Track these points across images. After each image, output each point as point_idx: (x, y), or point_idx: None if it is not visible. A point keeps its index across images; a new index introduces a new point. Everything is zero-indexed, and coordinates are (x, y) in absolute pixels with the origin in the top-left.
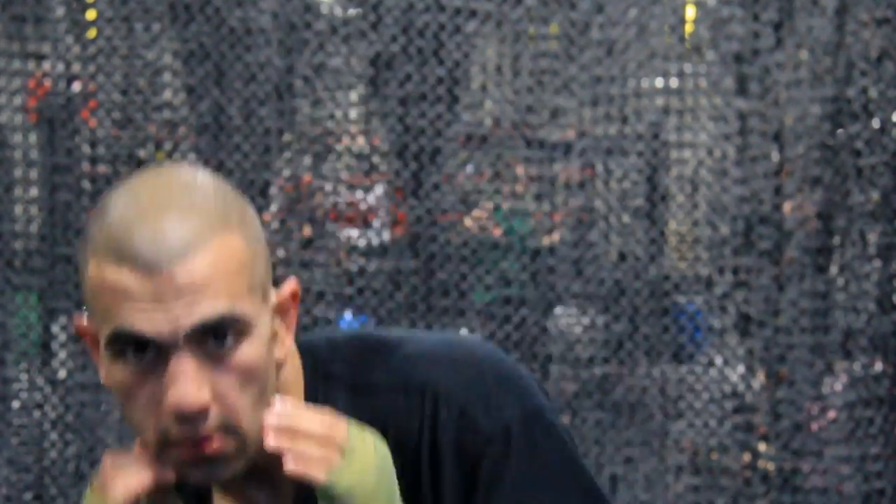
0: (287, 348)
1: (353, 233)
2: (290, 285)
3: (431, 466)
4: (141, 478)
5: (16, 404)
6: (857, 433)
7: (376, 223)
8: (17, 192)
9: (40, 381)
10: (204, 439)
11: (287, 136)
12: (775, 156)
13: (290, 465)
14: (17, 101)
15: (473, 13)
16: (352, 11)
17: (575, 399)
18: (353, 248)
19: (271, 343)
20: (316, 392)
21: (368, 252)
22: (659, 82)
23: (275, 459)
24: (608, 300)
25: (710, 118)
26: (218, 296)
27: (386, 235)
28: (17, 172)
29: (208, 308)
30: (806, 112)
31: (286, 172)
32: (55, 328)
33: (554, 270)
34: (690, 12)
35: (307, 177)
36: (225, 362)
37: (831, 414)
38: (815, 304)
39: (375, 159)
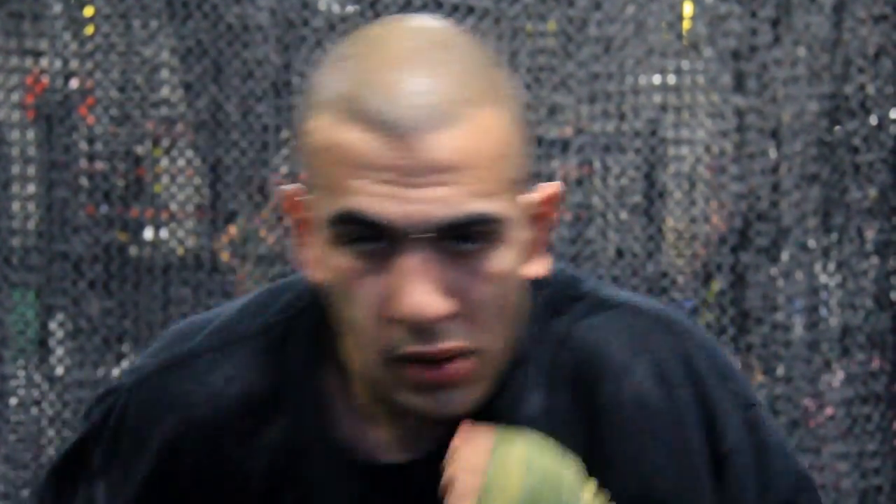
0: (545, 264)
1: None
2: (552, 186)
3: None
4: None
5: (13, 401)
6: (854, 430)
7: None
8: (15, 188)
9: (38, 377)
10: (443, 359)
11: (285, 133)
12: (773, 152)
13: (442, 491)
14: (15, 97)
15: (471, 10)
16: (349, 8)
17: None
18: None
19: (523, 256)
20: (547, 346)
21: None
22: (656, 79)
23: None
24: None
25: (708, 115)
26: (476, 185)
27: None
28: (15, 169)
29: (467, 200)
30: (803, 109)
31: (284, 169)
32: (52, 325)
33: None
34: (688, 9)
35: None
36: (472, 268)
37: (829, 411)
38: (813, 301)
39: None
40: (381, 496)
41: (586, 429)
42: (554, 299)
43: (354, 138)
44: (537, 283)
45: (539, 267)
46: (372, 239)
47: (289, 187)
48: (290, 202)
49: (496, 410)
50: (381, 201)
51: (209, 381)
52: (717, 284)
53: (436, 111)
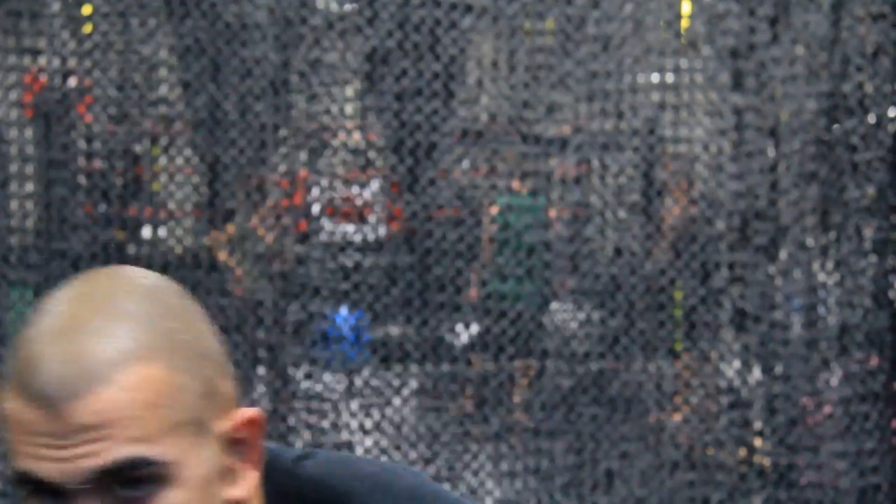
0: (249, 486)
1: (349, 228)
2: (247, 413)
3: None
4: None
5: None
6: (852, 428)
7: (372, 218)
8: (13, 187)
9: None
10: None
11: (283, 132)
12: (771, 151)
13: None
14: (13, 96)
15: (469, 8)
16: (348, 7)
17: (571, 394)
18: (348, 244)
19: (212, 484)
20: None
21: (364, 247)
22: (655, 78)
23: None
24: (604, 296)
25: (706, 114)
26: (125, 437)
27: (382, 231)
28: (13, 168)
29: (114, 450)
30: (802, 107)
31: (282, 168)
32: None
33: (550, 266)
34: (686, 8)
35: (303, 172)
36: None
37: (827, 409)
38: (811, 300)
39: (371, 155)
40: None
41: None
42: None
43: (18, 408)
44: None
45: (241, 490)
46: (49, 495)
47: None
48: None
49: None
50: (39, 462)
51: None
52: (715, 283)
53: (75, 378)
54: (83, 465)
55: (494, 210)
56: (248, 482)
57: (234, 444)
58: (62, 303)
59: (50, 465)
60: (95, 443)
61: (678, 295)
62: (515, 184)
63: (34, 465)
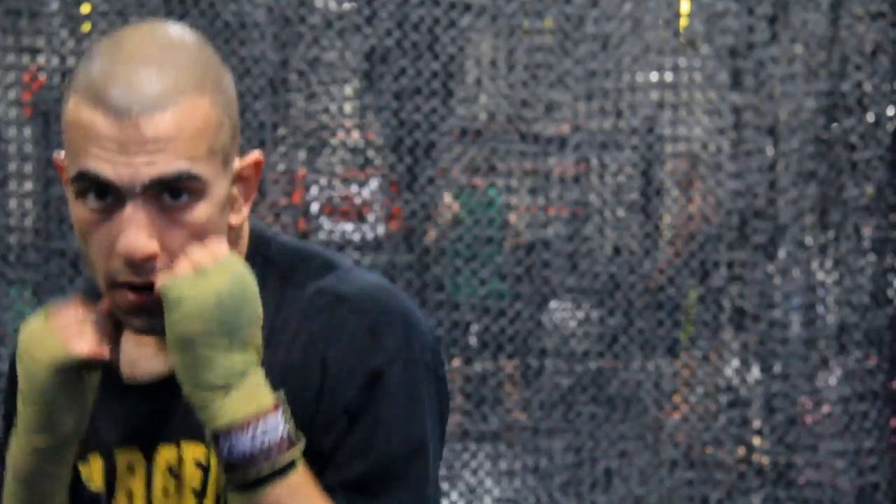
0: (243, 216)
1: (348, 227)
2: (254, 155)
3: (320, 369)
4: (80, 347)
5: None
6: (851, 427)
7: (371, 217)
8: (12, 186)
9: None
10: (149, 288)
11: (282, 131)
12: (770, 150)
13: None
14: (12, 95)
15: (468, 7)
16: (346, 5)
17: (570, 393)
18: (347, 242)
19: (226, 207)
20: (252, 267)
21: (363, 246)
22: (653, 76)
23: None
24: (603, 294)
25: (705, 112)
26: (179, 153)
27: (380, 229)
28: (12, 167)
29: (168, 163)
30: (800, 106)
31: (281, 167)
32: None
33: (548, 265)
34: (685, 6)
35: (301, 171)
36: (177, 218)
37: (826, 408)
38: (810, 299)
39: (370, 153)
40: (139, 412)
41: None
42: (284, 267)
43: (91, 117)
44: (265, 243)
45: (237, 218)
46: (101, 195)
47: (59, 155)
48: (59, 164)
49: None
50: (104, 165)
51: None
52: (714, 282)
53: (152, 99)
54: (141, 172)
55: (455, 207)
56: (243, 213)
57: (240, 180)
58: (132, 36)
59: (114, 168)
60: (155, 154)
61: (693, 294)
62: (514, 182)
63: (99, 166)
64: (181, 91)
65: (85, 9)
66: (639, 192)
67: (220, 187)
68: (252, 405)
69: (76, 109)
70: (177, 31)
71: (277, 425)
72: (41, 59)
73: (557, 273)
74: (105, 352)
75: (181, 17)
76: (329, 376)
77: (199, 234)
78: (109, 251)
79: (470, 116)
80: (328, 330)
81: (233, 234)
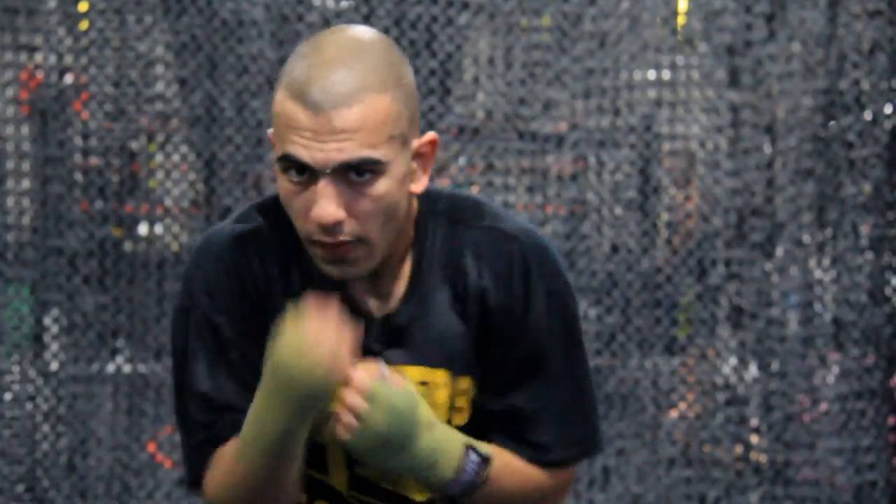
0: (423, 184)
1: None
2: (429, 136)
3: (496, 294)
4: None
5: (8, 396)
6: (849, 425)
7: None
8: (9, 184)
9: (32, 373)
10: (339, 244)
11: None
12: (767, 148)
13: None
14: (10, 92)
15: (465, 5)
16: (344, 3)
17: None
18: None
19: (406, 179)
20: (424, 220)
21: None
22: (651, 74)
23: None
24: (601, 292)
25: (703, 110)
26: (363, 141)
27: None
28: (9, 164)
29: (354, 150)
30: (798, 104)
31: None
32: (47, 320)
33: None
34: (683, 4)
35: None
36: (362, 191)
37: (823, 406)
38: (807, 297)
39: None
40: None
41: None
42: (451, 215)
43: (294, 110)
44: (434, 200)
45: (417, 186)
46: (301, 172)
47: (271, 132)
48: (272, 139)
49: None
50: (303, 150)
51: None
52: (712, 279)
53: (342, 97)
54: (332, 157)
55: None
56: (422, 182)
57: (419, 156)
58: (328, 40)
59: (309, 153)
60: (343, 142)
61: (690, 292)
62: (512, 180)
63: (299, 151)
64: (366, 89)
65: (82, 7)
66: (636, 190)
67: (399, 164)
68: (456, 451)
69: (282, 102)
70: (366, 35)
71: (475, 455)
72: (39, 57)
73: None
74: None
75: (179, 15)
76: (503, 303)
77: (380, 203)
78: (306, 216)
79: (468, 114)
80: (502, 262)
81: (412, 197)
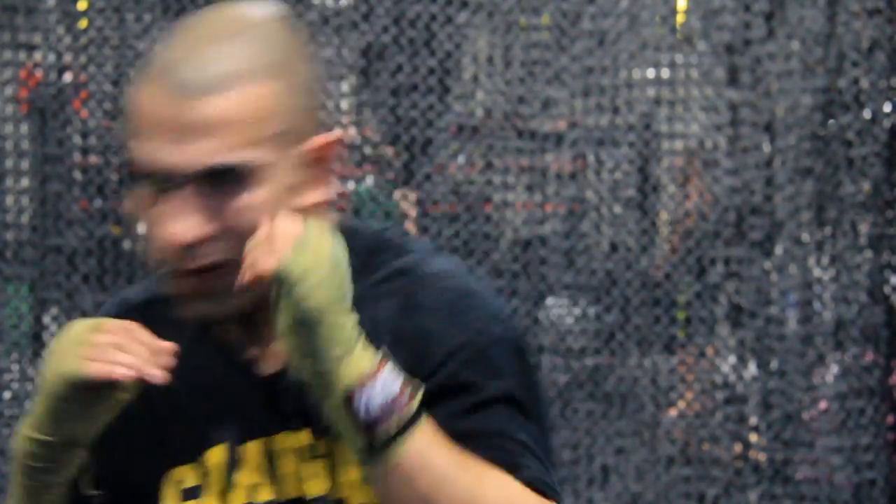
0: (318, 195)
1: None
2: (327, 136)
3: (403, 345)
4: (94, 369)
5: (7, 395)
6: (848, 424)
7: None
8: (9, 182)
9: (32, 371)
10: (201, 271)
11: None
12: (766, 146)
13: (242, 279)
14: (8, 91)
15: (465, 3)
16: (343, 2)
17: (566, 390)
18: None
19: (293, 189)
20: None
21: None
22: (650, 73)
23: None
24: (600, 291)
25: (702, 109)
26: (234, 140)
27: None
28: (8, 163)
29: (222, 151)
30: (797, 102)
31: None
32: (46, 319)
33: (545, 261)
34: (682, 2)
35: None
36: (231, 203)
37: (822, 404)
38: (806, 295)
39: (367, 150)
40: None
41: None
42: (364, 252)
43: (152, 96)
44: (350, 236)
45: (315, 196)
46: (152, 180)
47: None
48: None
49: None
50: (156, 150)
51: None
52: (711, 278)
53: (209, 79)
54: (195, 158)
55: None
56: (317, 194)
57: (314, 161)
58: (205, 22)
59: (162, 155)
60: (209, 139)
61: (689, 290)
62: (511, 179)
63: (150, 152)
64: (245, 75)
65: (81, 5)
66: (635, 189)
67: (283, 171)
68: (370, 360)
69: (135, 93)
70: (258, 12)
71: (395, 373)
72: (38, 56)
73: (554, 270)
74: (128, 375)
75: (178, 14)
76: (413, 352)
77: (254, 218)
78: (157, 237)
79: (466, 113)
80: (407, 308)
81: (308, 215)
